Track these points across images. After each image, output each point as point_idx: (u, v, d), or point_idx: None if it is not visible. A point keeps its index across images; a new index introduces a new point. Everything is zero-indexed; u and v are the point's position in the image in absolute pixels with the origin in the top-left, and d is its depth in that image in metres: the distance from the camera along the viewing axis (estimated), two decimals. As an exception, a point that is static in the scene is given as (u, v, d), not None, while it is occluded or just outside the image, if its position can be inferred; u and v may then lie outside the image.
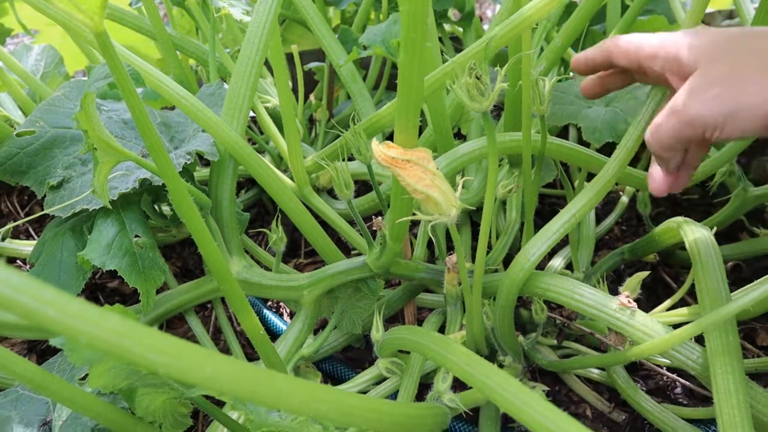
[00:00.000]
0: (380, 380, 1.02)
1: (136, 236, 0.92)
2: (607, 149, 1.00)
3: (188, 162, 0.94)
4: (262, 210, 1.61)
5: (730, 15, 2.38)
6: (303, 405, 0.53)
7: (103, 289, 1.33)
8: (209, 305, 1.30)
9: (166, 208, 1.17)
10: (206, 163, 1.56)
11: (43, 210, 0.97)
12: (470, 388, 0.93)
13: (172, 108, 1.32)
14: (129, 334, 0.40)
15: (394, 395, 0.97)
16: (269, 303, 1.33)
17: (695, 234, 0.92)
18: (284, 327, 1.20)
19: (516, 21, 0.87)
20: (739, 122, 0.63)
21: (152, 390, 0.72)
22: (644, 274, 0.99)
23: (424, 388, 0.96)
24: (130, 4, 1.51)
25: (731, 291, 1.10)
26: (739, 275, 1.32)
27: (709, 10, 2.27)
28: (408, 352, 0.99)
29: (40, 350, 1.18)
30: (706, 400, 1.05)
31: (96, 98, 1.02)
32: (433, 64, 1.10)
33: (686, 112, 0.66)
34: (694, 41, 0.69)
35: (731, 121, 0.63)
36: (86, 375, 0.86)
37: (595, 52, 0.83)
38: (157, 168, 0.70)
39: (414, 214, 0.74)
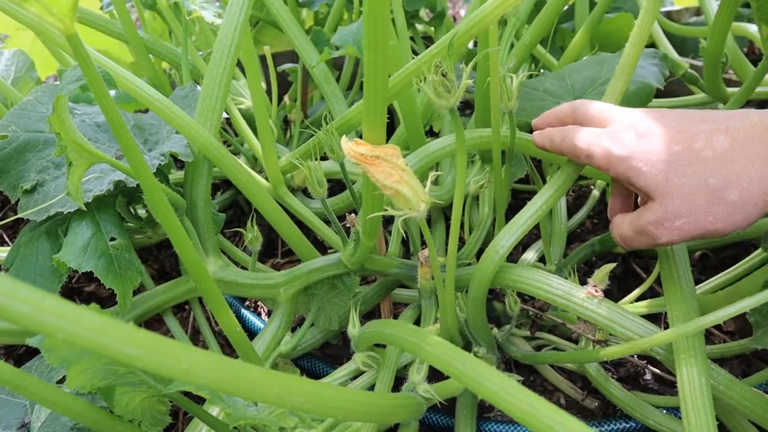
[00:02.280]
0: (357, 375, 1.04)
1: (112, 238, 0.93)
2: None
3: (162, 163, 0.95)
4: (238, 211, 1.62)
5: (697, 12, 2.43)
6: (279, 397, 0.54)
7: (79, 293, 1.33)
8: (187, 306, 1.30)
9: (141, 211, 1.17)
10: (181, 166, 1.57)
11: (16, 215, 0.97)
12: (445, 378, 0.95)
13: (146, 111, 1.33)
14: (106, 330, 0.41)
15: (371, 389, 0.99)
16: (247, 303, 1.34)
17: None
18: (262, 326, 1.21)
19: (478, 17, 0.89)
20: (709, 237, 0.69)
21: (130, 389, 0.73)
22: (612, 265, 1.01)
23: (401, 382, 0.98)
24: (102, 8, 1.51)
25: (701, 279, 1.14)
26: (706, 264, 1.35)
27: (677, 8, 2.33)
28: (384, 346, 1.01)
29: (17, 355, 1.18)
30: (674, 386, 1.08)
31: (68, 102, 1.03)
32: (403, 63, 1.11)
33: (657, 239, 0.71)
34: (642, 166, 0.70)
35: (701, 237, 0.69)
36: (64, 377, 0.87)
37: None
38: (132, 169, 0.71)
39: (385, 210, 0.75)
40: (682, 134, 0.68)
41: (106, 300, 1.33)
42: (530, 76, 1.36)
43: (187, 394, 0.77)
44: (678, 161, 0.67)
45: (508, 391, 0.56)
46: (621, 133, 0.73)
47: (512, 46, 1.46)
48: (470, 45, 1.76)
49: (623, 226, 0.77)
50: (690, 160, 0.66)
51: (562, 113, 0.87)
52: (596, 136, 0.76)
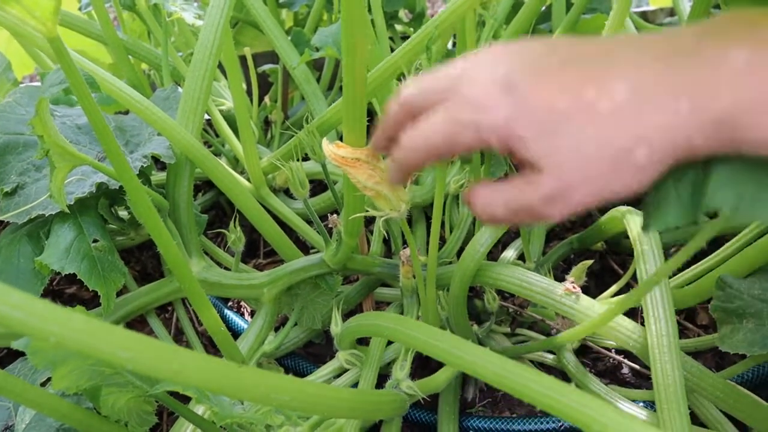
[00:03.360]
0: (341, 372, 1.05)
1: (95, 240, 0.93)
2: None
3: (145, 165, 0.96)
4: (219, 212, 1.62)
5: (671, 13, 2.48)
6: (266, 395, 0.55)
7: (60, 295, 1.33)
8: (170, 308, 1.31)
9: (123, 212, 1.17)
10: (162, 167, 1.57)
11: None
12: (427, 376, 0.97)
13: (126, 112, 1.33)
14: (96, 333, 0.42)
15: (355, 386, 1.00)
16: (230, 303, 1.34)
17: (638, 223, 0.98)
18: (245, 326, 1.21)
19: (450, 10, 0.90)
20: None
21: (116, 389, 0.74)
22: (589, 262, 1.04)
23: (383, 379, 0.99)
24: (80, 9, 1.50)
25: (674, 273, 1.16)
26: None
27: (652, 8, 2.37)
28: (368, 344, 1.02)
29: (-2, 358, 1.18)
30: (650, 379, 1.11)
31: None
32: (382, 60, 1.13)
33: (548, 217, 0.53)
34: (525, 134, 0.50)
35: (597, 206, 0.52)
36: (47, 380, 0.87)
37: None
38: (115, 171, 0.72)
39: (366, 211, 0.77)
40: (571, 82, 0.51)
41: (88, 302, 1.32)
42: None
43: (172, 393, 0.78)
44: (568, 120, 0.50)
45: (484, 359, 0.58)
46: (483, 96, 0.52)
47: (490, 47, 1.48)
48: (450, 46, 1.77)
49: (495, 206, 0.55)
50: (583, 117, 0.50)
51: (394, 119, 0.61)
52: (451, 118, 0.54)
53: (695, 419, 0.91)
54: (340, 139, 0.74)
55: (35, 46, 1.25)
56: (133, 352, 0.44)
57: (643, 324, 0.86)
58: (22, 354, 1.16)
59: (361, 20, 0.61)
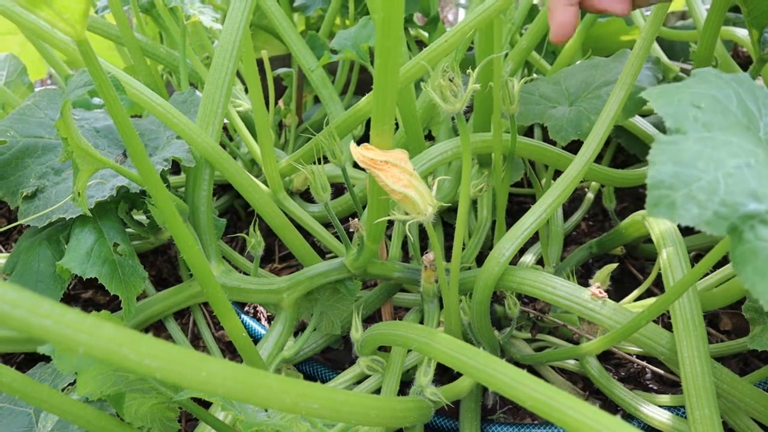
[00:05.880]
0: (361, 379, 1.04)
1: (115, 244, 0.92)
2: (573, 147, 1.04)
3: (166, 168, 0.95)
4: (234, 216, 1.62)
5: (683, 16, 2.47)
6: (294, 403, 0.54)
7: (77, 299, 1.32)
8: (186, 312, 1.30)
9: (141, 218, 1.17)
10: (175, 170, 1.56)
11: (8, 222, 0.96)
12: (451, 382, 0.96)
13: (139, 116, 1.32)
14: (125, 342, 0.41)
15: (376, 393, 0.99)
16: (246, 308, 1.33)
17: (660, 226, 0.96)
18: (262, 331, 1.20)
19: (472, 19, 0.90)
20: None
21: (140, 395, 0.73)
22: (613, 266, 1.03)
23: (404, 386, 0.98)
24: (97, 11, 1.50)
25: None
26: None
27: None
28: (388, 350, 1.01)
29: (15, 363, 1.17)
30: (675, 385, 1.09)
31: (68, 107, 1.02)
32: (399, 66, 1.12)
33: None
34: None
35: None
36: (68, 384, 0.86)
37: None
38: (140, 174, 0.71)
39: (391, 214, 0.76)
40: None
41: (104, 306, 1.32)
42: (526, 81, 1.38)
43: (194, 399, 0.77)
44: None
45: (516, 379, 0.57)
46: None
47: (506, 53, 1.48)
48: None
49: None
50: None
51: None
52: None
53: (725, 426, 0.90)
54: (357, 143, 0.73)
55: (57, 48, 1.24)
56: (162, 361, 0.43)
57: (668, 329, 0.85)
58: (38, 359, 1.16)
59: (398, 23, 0.60)
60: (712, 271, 1.09)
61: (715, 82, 0.56)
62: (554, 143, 1.15)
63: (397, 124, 1.23)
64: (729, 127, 0.51)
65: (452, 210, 1.41)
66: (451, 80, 0.73)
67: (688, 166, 0.46)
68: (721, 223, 0.45)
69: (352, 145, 0.72)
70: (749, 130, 0.52)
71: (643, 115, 1.41)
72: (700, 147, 0.48)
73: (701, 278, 1.09)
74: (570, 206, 1.55)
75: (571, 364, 1.11)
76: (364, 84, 1.76)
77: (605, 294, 0.86)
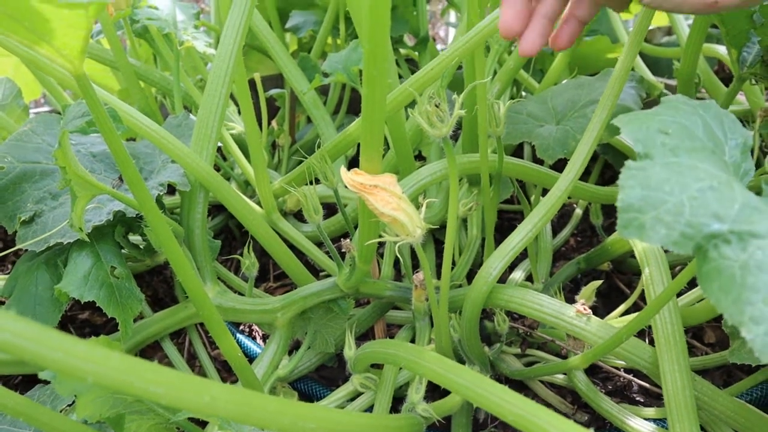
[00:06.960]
0: (354, 396, 1.06)
1: (113, 267, 0.94)
2: (560, 165, 1.07)
3: (161, 193, 0.97)
4: (229, 236, 1.64)
5: (669, 32, 2.51)
6: (292, 424, 0.57)
7: (73, 321, 1.34)
8: (182, 332, 1.32)
9: (136, 239, 1.19)
10: (170, 192, 1.58)
11: (4, 245, 0.98)
12: (442, 398, 0.98)
13: (134, 139, 1.35)
14: (132, 371, 0.44)
15: (369, 409, 1.01)
16: (241, 327, 1.35)
17: (643, 243, 0.99)
18: (257, 350, 1.22)
19: (460, 45, 0.93)
20: None
21: (138, 416, 0.75)
22: (598, 282, 1.05)
23: (397, 402, 1.00)
24: (91, 36, 1.53)
25: (684, 291, 1.18)
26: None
27: (649, 27, 2.40)
28: (381, 368, 1.03)
29: (13, 385, 1.18)
30: (660, 398, 1.11)
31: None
32: (390, 88, 1.15)
33: None
34: None
35: None
36: (67, 405, 0.88)
37: None
38: (137, 200, 0.74)
39: (381, 237, 0.78)
40: None
41: (100, 327, 1.33)
42: (512, 98, 1.41)
43: (191, 419, 0.79)
44: None
45: (505, 399, 0.59)
46: None
47: (495, 72, 1.51)
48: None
49: None
50: None
51: None
52: None
53: (708, 439, 0.93)
54: (349, 164, 0.76)
55: (54, 78, 1.27)
56: (166, 388, 0.45)
57: (652, 343, 0.88)
58: (35, 380, 1.17)
59: (383, 54, 0.63)
60: (694, 287, 1.12)
61: (683, 108, 0.59)
62: (542, 161, 1.18)
63: (388, 144, 1.26)
64: (695, 151, 0.54)
65: (444, 227, 1.43)
66: (437, 106, 0.76)
67: (656, 189, 0.49)
68: (687, 243, 0.47)
69: (343, 170, 0.74)
70: (714, 154, 0.55)
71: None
72: (666, 172, 0.50)
73: (684, 294, 1.13)
74: (559, 222, 1.58)
75: (560, 378, 1.13)
76: (356, 102, 1.78)
77: (590, 311, 0.88)
